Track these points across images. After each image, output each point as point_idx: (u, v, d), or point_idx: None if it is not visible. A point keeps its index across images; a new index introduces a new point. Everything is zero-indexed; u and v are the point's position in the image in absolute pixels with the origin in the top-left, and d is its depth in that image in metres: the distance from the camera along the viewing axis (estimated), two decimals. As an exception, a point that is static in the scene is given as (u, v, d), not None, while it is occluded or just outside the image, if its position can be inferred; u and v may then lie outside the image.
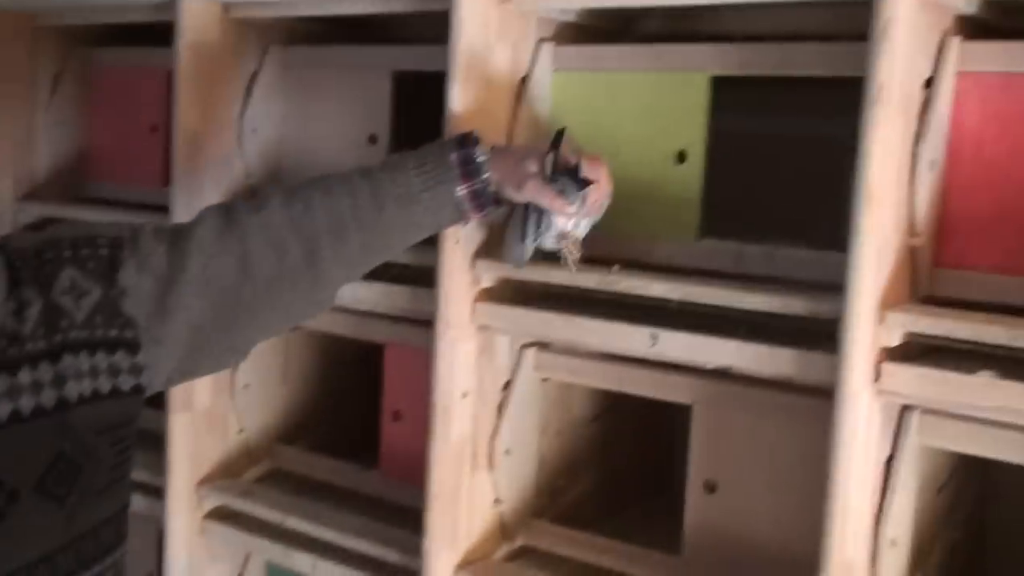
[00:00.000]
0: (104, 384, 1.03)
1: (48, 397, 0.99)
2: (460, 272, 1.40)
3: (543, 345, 1.48)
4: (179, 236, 1.11)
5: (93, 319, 1.03)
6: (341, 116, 1.70)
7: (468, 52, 1.36)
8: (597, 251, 1.38)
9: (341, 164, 1.66)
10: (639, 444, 1.71)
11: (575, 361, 1.47)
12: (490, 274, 1.42)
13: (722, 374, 1.28)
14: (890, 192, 1.12)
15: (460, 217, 1.23)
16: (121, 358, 1.04)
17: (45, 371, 0.99)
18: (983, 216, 1.18)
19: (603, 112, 1.44)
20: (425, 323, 1.44)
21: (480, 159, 1.20)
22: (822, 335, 1.18)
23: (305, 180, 1.20)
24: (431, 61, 1.50)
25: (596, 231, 1.30)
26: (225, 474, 1.80)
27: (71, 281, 1.03)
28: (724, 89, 1.35)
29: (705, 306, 1.26)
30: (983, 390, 1.08)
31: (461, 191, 1.19)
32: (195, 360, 1.11)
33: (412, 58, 1.62)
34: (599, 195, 1.24)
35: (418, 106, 1.64)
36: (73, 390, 1.00)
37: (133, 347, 1.05)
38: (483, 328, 1.44)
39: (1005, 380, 1.07)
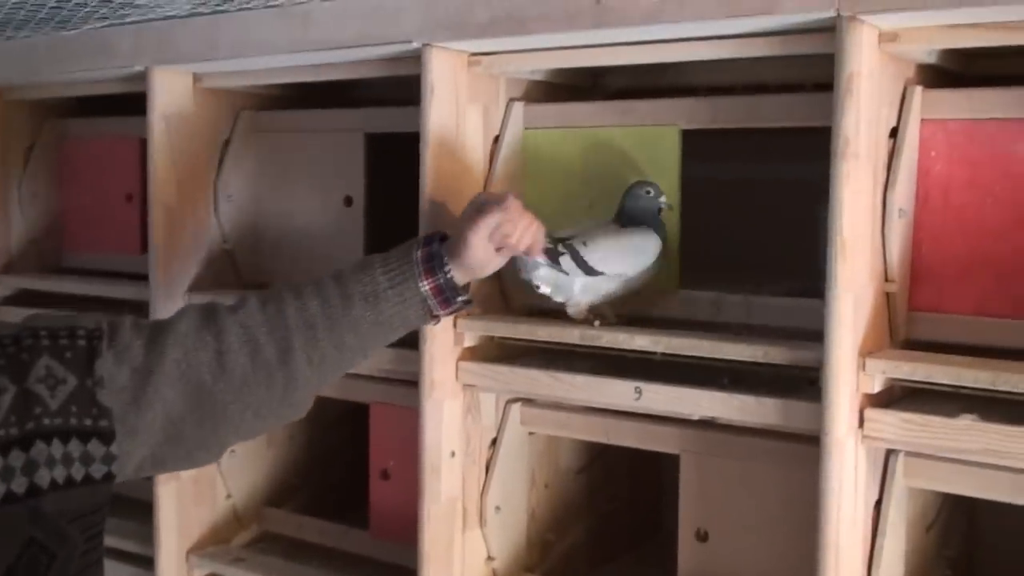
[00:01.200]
0: (77, 472, 1.03)
1: (19, 484, 0.99)
2: (443, 332, 1.41)
3: (528, 400, 1.49)
4: (158, 330, 1.12)
5: (68, 407, 1.04)
6: (316, 179, 1.71)
7: (439, 115, 1.38)
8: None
9: (318, 227, 1.70)
10: (628, 492, 1.71)
11: (561, 415, 1.47)
12: (473, 333, 1.43)
13: (708, 423, 1.29)
14: (863, 241, 1.15)
15: (427, 313, 1.22)
16: (94, 447, 1.05)
17: (16, 457, 0.99)
18: (955, 260, 1.21)
19: (576, 168, 1.46)
20: (410, 382, 1.45)
21: (443, 254, 1.21)
22: (804, 382, 1.20)
23: (281, 284, 1.22)
24: (404, 122, 1.52)
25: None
26: (214, 540, 1.79)
27: (47, 369, 1.04)
28: (694, 141, 1.38)
29: (688, 357, 1.27)
30: (966, 433, 1.10)
31: (425, 286, 1.20)
32: (167, 452, 1.11)
33: (384, 120, 1.64)
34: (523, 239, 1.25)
35: (393, 167, 1.66)
36: (45, 477, 1.01)
37: (107, 437, 1.05)
38: (468, 387, 1.45)
39: (986, 423, 1.09)
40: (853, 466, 1.15)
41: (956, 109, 1.19)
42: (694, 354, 1.26)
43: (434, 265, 1.21)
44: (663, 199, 1.35)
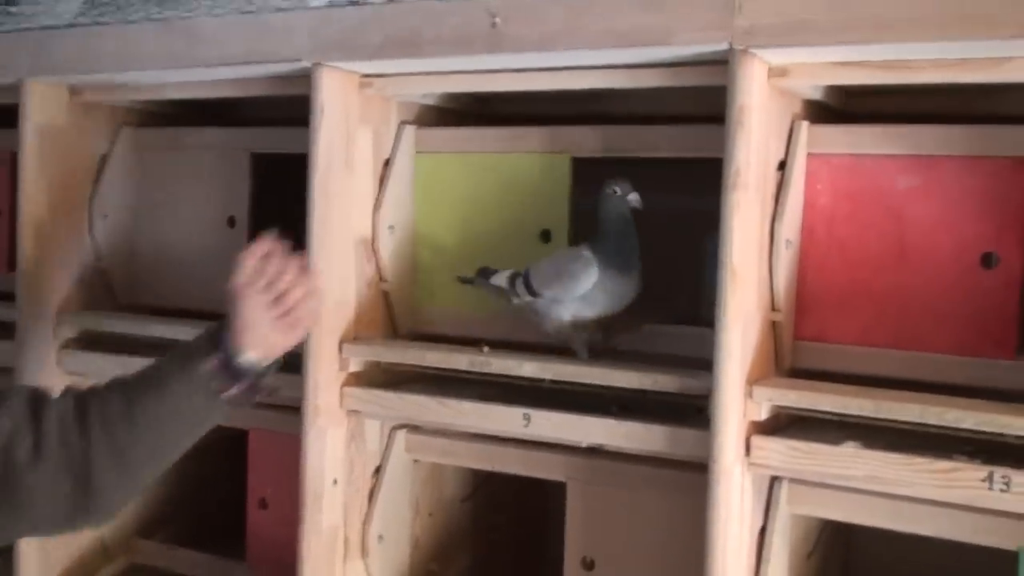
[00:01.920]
0: None
1: None
2: (327, 357, 1.38)
3: (414, 426, 1.47)
4: None
5: None
6: (198, 199, 1.66)
7: (329, 137, 1.35)
8: (472, 332, 1.40)
9: (199, 248, 1.64)
10: (514, 520, 1.70)
11: (446, 442, 1.45)
12: (359, 358, 1.40)
13: (595, 451, 1.29)
14: (751, 271, 1.16)
15: (215, 394, 1.16)
16: None
17: None
18: (839, 291, 1.23)
19: (467, 193, 1.45)
20: (290, 408, 1.41)
21: (225, 332, 1.17)
22: (692, 409, 1.20)
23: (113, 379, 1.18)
24: (291, 143, 1.49)
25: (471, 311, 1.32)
26: (80, 574, 1.70)
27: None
28: (585, 169, 1.38)
29: (579, 384, 1.27)
30: (850, 460, 1.12)
31: (208, 365, 1.15)
32: None
33: (271, 139, 1.61)
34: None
35: (279, 187, 1.62)
36: None
37: None
38: (353, 413, 1.41)
39: (869, 450, 1.11)
40: (740, 493, 1.16)
41: (839, 144, 1.23)
42: (583, 381, 1.25)
43: (216, 341, 1.16)
44: (633, 197, 1.27)
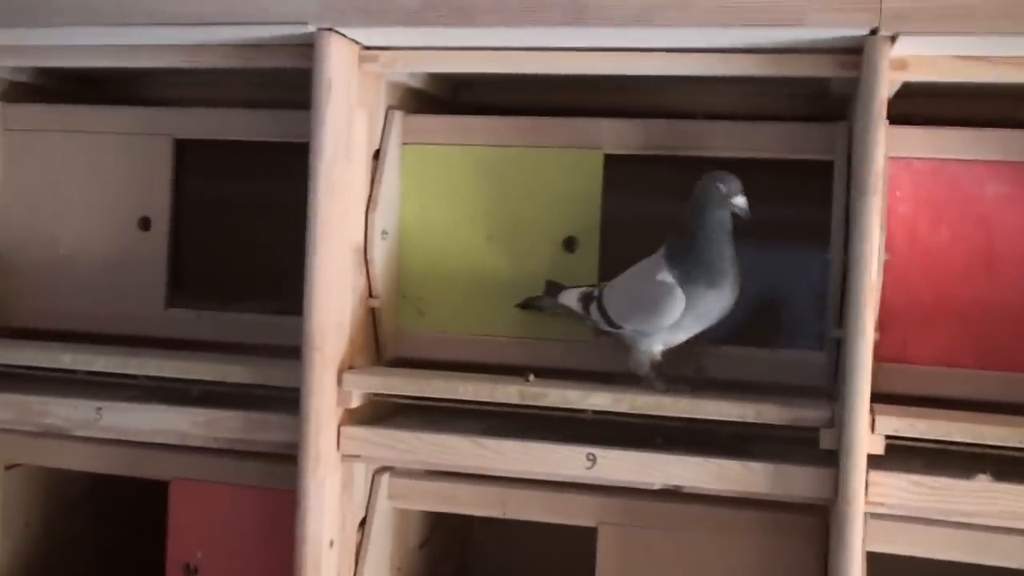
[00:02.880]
0: None
1: None
2: (328, 391, 1.12)
3: (399, 469, 1.23)
4: None
5: None
6: (99, 195, 1.33)
7: (337, 121, 1.10)
8: (470, 357, 1.23)
9: (102, 255, 1.33)
10: (461, 568, 1.49)
11: (443, 486, 1.22)
12: (361, 391, 1.16)
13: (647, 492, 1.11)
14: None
15: None
16: None
17: None
18: (921, 307, 1.14)
19: (471, 194, 1.24)
20: (223, 451, 1.20)
21: None
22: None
23: None
24: (229, 128, 1.25)
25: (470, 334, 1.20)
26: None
27: None
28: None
29: (651, 417, 1.09)
30: (983, 495, 1.02)
31: None
32: None
33: (203, 123, 1.31)
34: None
35: (203, 182, 1.34)
36: None
37: None
38: (350, 459, 1.16)
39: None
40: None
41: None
42: (667, 414, 1.08)
43: None
44: (740, 201, 1.05)
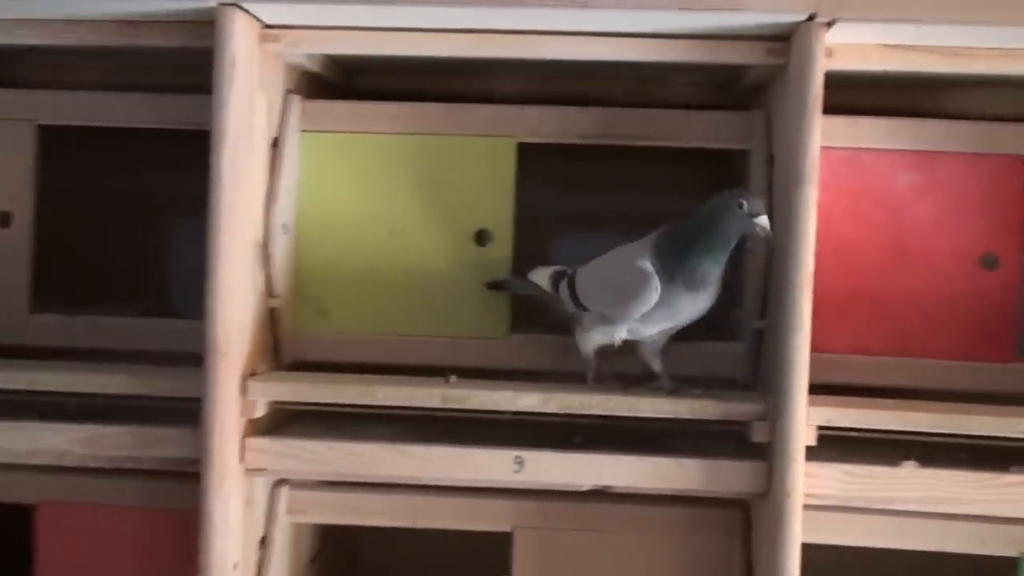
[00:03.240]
0: None
1: None
2: (231, 400, 1.03)
3: (299, 481, 1.15)
4: None
5: None
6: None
7: (240, 103, 1.01)
8: (374, 358, 1.16)
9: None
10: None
11: (348, 497, 1.14)
12: (267, 399, 1.07)
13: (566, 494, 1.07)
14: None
15: None
16: None
17: None
18: (835, 297, 1.14)
19: (375, 185, 1.17)
20: (99, 470, 1.09)
21: None
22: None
23: None
24: (101, 112, 1.15)
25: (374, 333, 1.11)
26: None
27: None
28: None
29: (584, 416, 1.05)
30: (907, 481, 1.02)
31: None
32: None
33: (72, 107, 1.19)
34: None
35: (71, 173, 1.22)
36: None
37: None
38: (255, 473, 1.07)
39: (928, 469, 1.02)
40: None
41: (839, 137, 1.12)
42: (601, 412, 1.04)
43: None
44: (763, 222, 1.00)
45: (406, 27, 1.04)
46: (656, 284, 1.02)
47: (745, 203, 1.00)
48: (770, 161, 1.09)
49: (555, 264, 1.14)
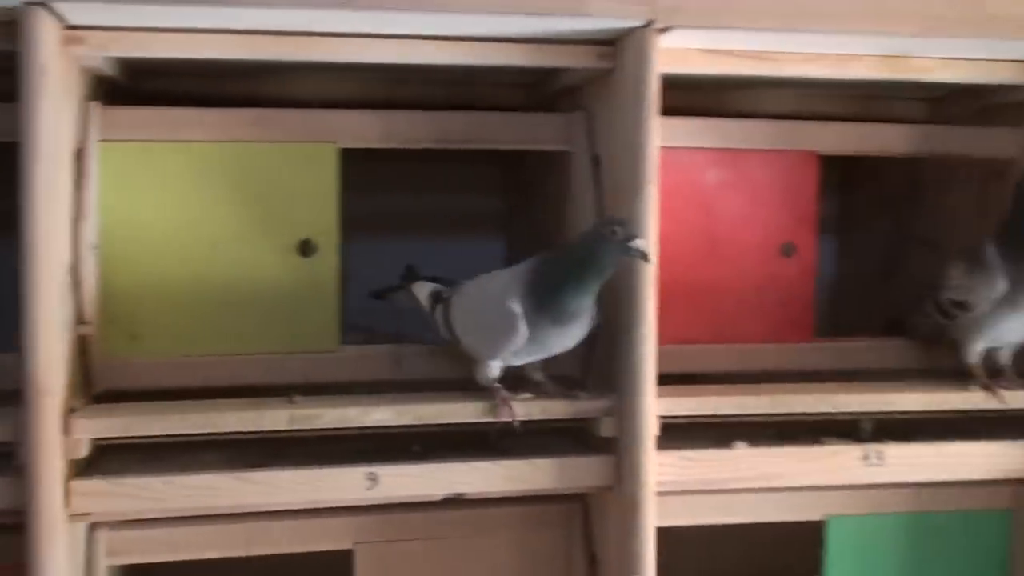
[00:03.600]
0: None
1: None
2: (50, 439, 0.93)
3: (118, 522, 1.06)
4: None
5: None
6: None
7: (52, 113, 0.91)
8: (195, 381, 1.09)
9: None
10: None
11: (175, 531, 1.07)
12: (90, 436, 0.98)
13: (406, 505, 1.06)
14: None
15: None
16: None
17: None
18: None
19: (187, 197, 1.09)
20: None
21: None
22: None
23: None
24: None
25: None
26: None
27: None
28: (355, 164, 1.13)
29: (434, 425, 1.04)
30: (740, 461, 1.08)
31: None
32: None
33: None
34: None
35: None
36: None
37: None
38: (79, 518, 0.98)
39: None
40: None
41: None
42: (455, 421, 1.03)
43: None
44: (639, 244, 0.97)
45: (218, 29, 0.98)
46: (523, 328, 1.00)
47: (618, 229, 0.98)
48: (596, 162, 1.12)
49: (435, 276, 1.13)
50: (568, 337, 1.04)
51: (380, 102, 1.19)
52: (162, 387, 1.08)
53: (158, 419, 0.98)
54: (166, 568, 1.10)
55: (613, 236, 0.98)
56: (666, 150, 1.15)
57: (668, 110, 1.17)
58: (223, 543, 1.07)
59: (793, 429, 1.13)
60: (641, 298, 1.01)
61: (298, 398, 1.03)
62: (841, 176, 1.48)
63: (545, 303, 1.00)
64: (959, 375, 1.15)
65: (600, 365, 1.10)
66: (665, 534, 1.06)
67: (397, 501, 1.04)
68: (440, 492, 1.04)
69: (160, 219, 1.08)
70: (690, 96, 1.26)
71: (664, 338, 1.15)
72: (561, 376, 1.10)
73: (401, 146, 1.13)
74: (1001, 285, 1.09)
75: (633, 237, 0.98)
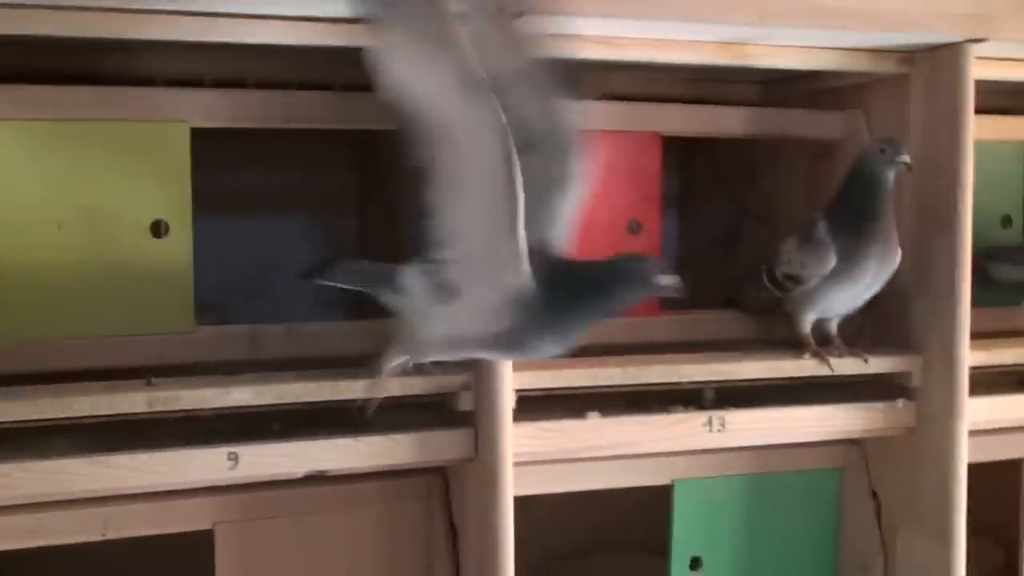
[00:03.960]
0: None
1: None
2: None
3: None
4: None
5: None
6: None
7: None
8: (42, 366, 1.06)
9: None
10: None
11: (24, 519, 1.05)
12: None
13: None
14: None
15: None
16: None
17: None
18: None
19: (32, 178, 1.06)
20: None
21: None
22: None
23: None
24: None
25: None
26: None
27: None
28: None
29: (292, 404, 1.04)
30: (594, 431, 1.13)
31: None
32: None
33: None
34: None
35: None
36: None
37: None
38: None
39: (611, 417, 1.13)
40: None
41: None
42: (317, 399, 1.04)
43: None
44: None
45: (55, 5, 0.95)
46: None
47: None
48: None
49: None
50: None
51: (229, 81, 1.18)
52: (14, 372, 1.05)
53: (8, 405, 0.95)
54: (24, 556, 1.07)
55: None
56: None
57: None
58: (80, 528, 1.05)
59: (642, 399, 1.18)
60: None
61: (155, 380, 1.02)
62: (682, 156, 1.54)
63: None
64: (792, 344, 1.22)
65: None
66: (523, 503, 1.10)
67: (259, 480, 1.04)
68: (301, 470, 1.04)
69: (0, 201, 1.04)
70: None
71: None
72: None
73: (254, 126, 1.12)
74: (831, 260, 1.17)
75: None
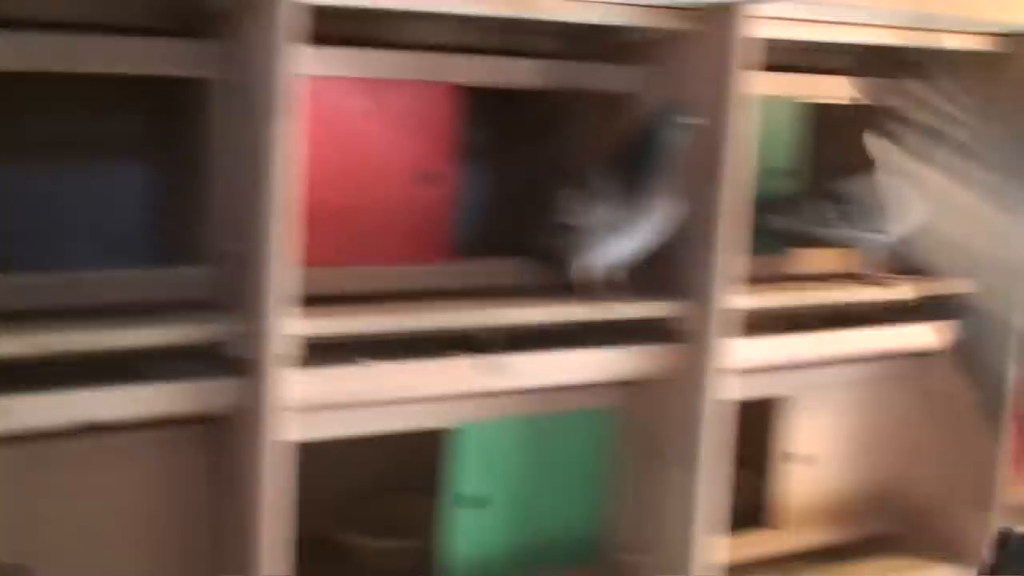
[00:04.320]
0: None
1: None
2: None
3: None
4: None
5: None
6: None
7: None
8: None
9: None
10: None
11: None
12: None
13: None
14: None
15: None
16: None
17: None
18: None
19: None
20: None
21: None
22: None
23: None
24: None
25: None
26: None
27: None
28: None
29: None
30: (371, 377, 1.16)
31: None
32: None
33: None
34: None
35: None
36: None
37: None
38: None
39: (388, 363, 1.16)
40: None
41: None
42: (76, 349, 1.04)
43: None
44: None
45: None
46: None
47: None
48: (235, 89, 1.13)
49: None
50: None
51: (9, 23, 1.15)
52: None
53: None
54: None
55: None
56: (310, 79, 1.19)
57: (319, 39, 1.20)
58: None
59: (425, 343, 1.22)
60: (270, 222, 1.06)
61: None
62: (495, 107, 1.56)
63: None
64: (568, 290, 1.28)
65: (239, 288, 1.13)
66: (313, 448, 1.13)
67: (29, 431, 1.03)
68: (75, 420, 1.05)
69: None
70: (340, 25, 1.30)
71: (308, 261, 1.20)
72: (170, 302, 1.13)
73: (32, 69, 1.10)
74: (598, 211, 1.22)
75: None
